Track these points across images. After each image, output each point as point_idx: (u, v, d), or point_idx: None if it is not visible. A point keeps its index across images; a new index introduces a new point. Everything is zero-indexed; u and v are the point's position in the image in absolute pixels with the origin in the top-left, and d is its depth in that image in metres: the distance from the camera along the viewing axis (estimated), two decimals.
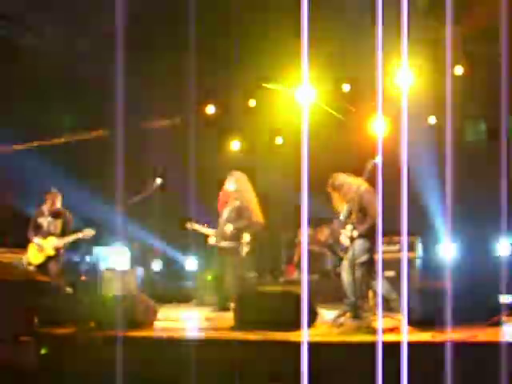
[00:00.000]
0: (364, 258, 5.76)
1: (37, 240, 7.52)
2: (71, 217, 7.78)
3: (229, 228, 7.26)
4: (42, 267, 7.45)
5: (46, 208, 7.75)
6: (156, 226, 10.99)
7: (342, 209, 6.06)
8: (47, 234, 7.55)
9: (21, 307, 1.70)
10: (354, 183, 5.99)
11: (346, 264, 5.87)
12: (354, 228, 5.80)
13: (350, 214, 5.91)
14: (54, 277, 7.41)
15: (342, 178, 6.10)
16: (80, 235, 7.63)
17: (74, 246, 8.33)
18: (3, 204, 11.13)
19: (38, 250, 7.49)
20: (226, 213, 7.23)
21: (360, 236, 5.77)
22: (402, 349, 3.55)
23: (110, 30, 8.75)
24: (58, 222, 7.64)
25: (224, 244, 7.19)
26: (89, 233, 7.64)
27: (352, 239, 5.78)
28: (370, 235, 5.68)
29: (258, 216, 7.24)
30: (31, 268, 7.44)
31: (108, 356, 4.45)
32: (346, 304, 5.80)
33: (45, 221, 7.67)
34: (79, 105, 10.97)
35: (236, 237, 7.12)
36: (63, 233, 7.61)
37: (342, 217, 5.99)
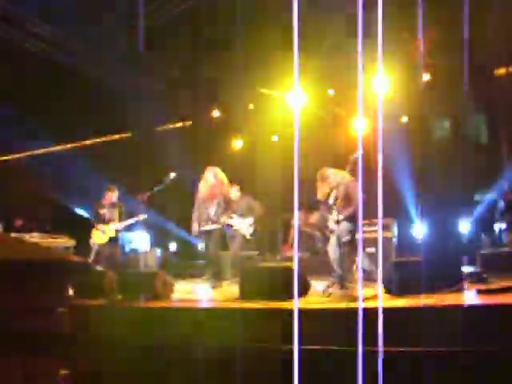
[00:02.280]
0: (348, 237, 5.80)
1: (101, 226, 8.08)
2: (124, 209, 8.28)
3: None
4: (107, 245, 8.06)
5: (105, 201, 8.25)
6: (173, 213, 11.09)
7: (326, 198, 6.11)
8: (109, 221, 8.12)
9: (55, 283, 1.73)
10: (340, 175, 6.06)
11: (333, 242, 5.90)
12: (339, 213, 5.85)
13: (335, 200, 5.94)
14: (115, 254, 8.11)
15: (330, 171, 6.15)
16: (136, 219, 8.14)
17: None
18: (43, 194, 11.19)
19: (102, 234, 8.06)
20: (214, 205, 7.21)
21: (344, 219, 5.82)
22: (379, 313, 3.55)
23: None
24: (115, 211, 8.20)
25: (211, 227, 7.20)
26: (143, 217, 8.08)
27: (337, 222, 5.83)
28: (352, 218, 5.73)
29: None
30: (96, 248, 8.04)
31: (131, 323, 4.48)
32: (333, 276, 5.84)
33: (106, 212, 8.20)
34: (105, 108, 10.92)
35: (217, 221, 7.17)
36: (119, 220, 8.16)
37: (330, 202, 6.01)
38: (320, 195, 6.17)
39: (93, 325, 4.73)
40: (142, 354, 4.09)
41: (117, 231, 8.15)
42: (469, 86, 10.39)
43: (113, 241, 8.11)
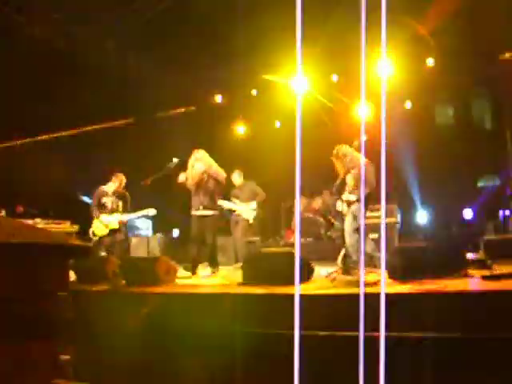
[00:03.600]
0: (360, 222, 5.76)
1: (104, 217, 7.52)
2: (129, 197, 7.80)
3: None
4: (107, 237, 7.54)
5: (109, 188, 7.69)
6: (177, 199, 11.01)
7: (341, 176, 6.03)
8: (112, 211, 7.56)
9: (56, 266, 1.69)
10: (356, 155, 5.94)
11: (348, 228, 5.80)
12: (351, 193, 5.77)
13: (350, 180, 5.86)
14: (117, 244, 7.60)
15: (346, 149, 6.05)
16: (145, 213, 7.65)
17: None
18: (46, 181, 11.13)
19: (104, 225, 7.49)
20: (204, 190, 7.12)
21: (357, 201, 5.74)
22: (382, 299, 3.52)
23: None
24: (120, 201, 7.68)
25: (206, 213, 7.12)
26: (152, 212, 7.62)
27: (349, 203, 5.74)
28: (365, 201, 5.64)
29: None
30: (95, 239, 7.49)
31: (135, 308, 4.46)
32: (343, 262, 5.77)
33: (108, 200, 7.64)
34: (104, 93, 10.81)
35: (213, 207, 7.11)
36: (124, 210, 7.65)
37: (348, 178, 5.88)
38: (340, 172, 6.03)
39: (95, 310, 4.70)
40: (143, 340, 4.06)
41: (120, 223, 7.60)
42: (473, 71, 10.27)
43: (115, 232, 7.58)
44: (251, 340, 3.88)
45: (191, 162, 7.18)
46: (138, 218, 7.95)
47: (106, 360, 4.10)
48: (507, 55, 10.62)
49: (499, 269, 4.99)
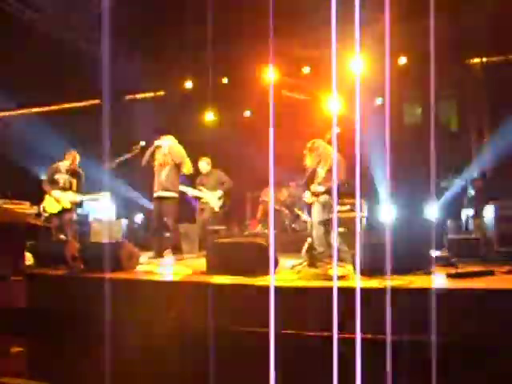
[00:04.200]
0: (329, 214, 5.73)
1: (56, 193, 7.37)
2: (83, 176, 7.65)
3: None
4: (57, 216, 7.38)
5: (63, 165, 7.53)
6: (141, 184, 10.73)
7: (312, 168, 6.01)
8: (64, 189, 7.42)
9: (10, 247, 1.50)
10: (328, 148, 5.99)
11: (315, 220, 5.78)
12: (320, 185, 5.78)
13: (319, 172, 5.87)
14: (66, 226, 7.37)
15: (320, 143, 6.07)
16: (98, 196, 7.55)
17: None
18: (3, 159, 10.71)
19: (55, 201, 7.36)
20: (166, 171, 6.96)
21: (325, 192, 5.74)
22: (355, 293, 3.48)
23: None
24: (74, 180, 7.52)
25: (166, 194, 6.96)
26: (105, 196, 7.52)
27: (317, 195, 5.72)
28: (332, 194, 5.65)
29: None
30: (46, 215, 7.36)
31: (93, 294, 4.27)
32: (308, 254, 5.73)
33: (61, 177, 7.50)
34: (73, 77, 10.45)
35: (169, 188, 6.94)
36: (77, 189, 7.51)
37: (320, 169, 5.87)
38: (309, 163, 6.07)
39: (51, 296, 4.48)
40: (104, 328, 3.87)
41: (72, 203, 7.47)
42: (441, 72, 10.38)
43: (66, 211, 7.42)
44: (215, 332, 3.77)
45: (158, 143, 7.02)
46: (91, 200, 7.81)
47: (64, 351, 3.90)
48: (477, 60, 10.80)
49: (463, 267, 5.03)
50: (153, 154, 7.06)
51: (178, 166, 7.02)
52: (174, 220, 6.98)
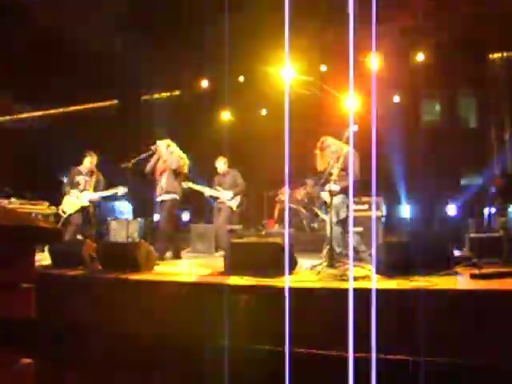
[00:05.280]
0: (346, 213, 5.61)
1: (74, 193, 7.52)
2: (102, 177, 7.77)
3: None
4: (76, 216, 7.49)
5: (83, 167, 7.69)
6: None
7: (326, 168, 5.87)
8: (83, 189, 7.55)
9: (20, 252, 1.42)
10: (340, 145, 5.84)
11: (333, 220, 5.64)
12: (335, 183, 5.63)
13: (333, 170, 5.72)
14: (83, 225, 7.54)
15: (331, 140, 5.95)
16: (115, 191, 7.58)
17: None
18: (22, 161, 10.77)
19: (73, 202, 7.48)
20: (165, 177, 6.97)
21: (341, 191, 5.61)
22: (372, 295, 3.38)
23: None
24: (92, 180, 7.64)
25: (167, 197, 6.96)
26: (122, 190, 7.55)
27: (332, 194, 5.58)
28: (348, 192, 5.53)
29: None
30: (64, 216, 7.48)
31: (112, 296, 4.22)
32: (328, 254, 5.60)
33: (82, 179, 7.65)
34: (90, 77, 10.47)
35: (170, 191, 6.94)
36: (95, 189, 7.62)
37: (332, 169, 5.73)
38: (320, 165, 5.94)
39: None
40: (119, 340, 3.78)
41: (90, 201, 7.58)
42: (461, 69, 10.19)
43: (85, 210, 7.56)
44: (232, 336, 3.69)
45: (157, 149, 7.07)
46: (108, 196, 7.81)
47: (77, 362, 3.82)
48: (497, 55, 10.58)
49: (486, 267, 4.88)
50: (156, 162, 7.09)
51: (175, 170, 7.00)
52: (169, 221, 6.95)
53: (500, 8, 9.26)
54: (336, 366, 3.05)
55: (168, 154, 7.02)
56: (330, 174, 5.77)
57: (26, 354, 1.58)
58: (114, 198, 8.73)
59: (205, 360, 3.59)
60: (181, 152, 7.14)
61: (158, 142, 7.11)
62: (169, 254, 6.95)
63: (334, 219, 5.64)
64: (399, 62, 9.98)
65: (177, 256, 6.95)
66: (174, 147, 7.12)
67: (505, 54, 10.47)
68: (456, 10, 9.71)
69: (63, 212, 7.55)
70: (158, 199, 7.06)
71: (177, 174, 7.03)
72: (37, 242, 1.75)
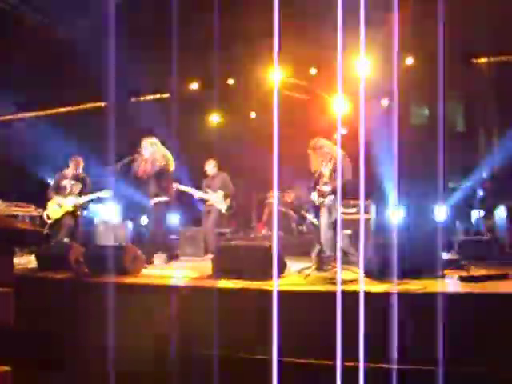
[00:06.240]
0: (336, 216, 5.59)
1: (58, 198, 7.44)
2: (89, 181, 7.68)
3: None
4: (60, 221, 7.41)
5: (69, 172, 7.62)
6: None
7: (317, 168, 5.84)
8: (68, 194, 7.46)
9: None
10: (332, 147, 5.83)
11: (325, 223, 5.61)
12: (326, 184, 5.61)
13: (325, 171, 5.71)
14: (69, 229, 7.40)
15: (323, 141, 5.91)
16: (99, 194, 7.51)
17: None
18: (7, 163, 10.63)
19: (58, 207, 7.40)
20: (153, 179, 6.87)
21: (331, 192, 5.57)
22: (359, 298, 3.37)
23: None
24: (78, 185, 7.54)
25: (154, 200, 6.89)
26: (107, 193, 7.48)
27: (323, 195, 5.55)
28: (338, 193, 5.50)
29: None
30: (49, 222, 7.41)
31: (98, 300, 4.15)
32: (317, 257, 5.58)
33: (68, 183, 7.56)
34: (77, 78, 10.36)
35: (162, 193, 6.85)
36: (80, 194, 7.52)
37: (324, 169, 5.70)
38: (313, 166, 5.91)
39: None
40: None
41: (76, 206, 7.49)
42: (448, 72, 10.23)
43: (70, 215, 7.45)
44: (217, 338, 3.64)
45: (141, 151, 6.93)
46: (92, 200, 7.74)
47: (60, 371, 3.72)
48: (483, 59, 10.63)
49: (475, 270, 4.88)
50: (141, 163, 6.94)
51: (161, 170, 6.90)
52: (157, 224, 6.90)
53: (487, 13, 9.31)
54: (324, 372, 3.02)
55: (152, 153, 6.90)
56: (321, 175, 5.76)
57: (3, 362, 1.52)
58: (102, 201, 8.65)
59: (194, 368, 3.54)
60: (165, 150, 7.02)
61: (143, 141, 6.99)
62: (162, 258, 6.85)
63: (327, 221, 5.61)
64: (387, 65, 10.00)
65: (170, 259, 6.87)
66: (157, 146, 6.99)
67: (491, 59, 10.53)
68: (443, 15, 9.76)
69: (48, 217, 7.47)
70: (151, 202, 6.97)
71: (162, 173, 6.91)
72: (15, 243, 1.68)
